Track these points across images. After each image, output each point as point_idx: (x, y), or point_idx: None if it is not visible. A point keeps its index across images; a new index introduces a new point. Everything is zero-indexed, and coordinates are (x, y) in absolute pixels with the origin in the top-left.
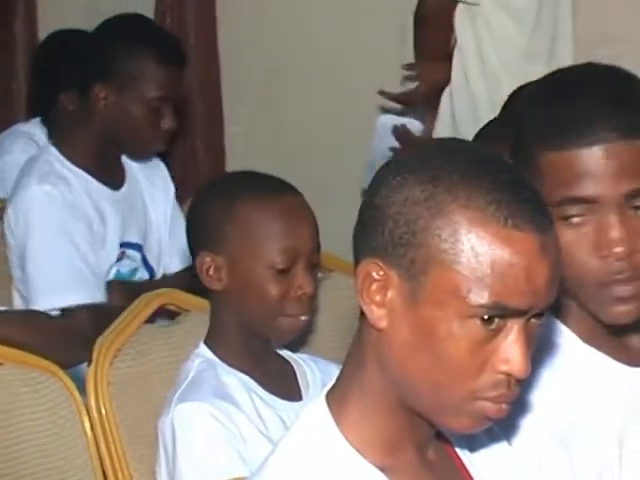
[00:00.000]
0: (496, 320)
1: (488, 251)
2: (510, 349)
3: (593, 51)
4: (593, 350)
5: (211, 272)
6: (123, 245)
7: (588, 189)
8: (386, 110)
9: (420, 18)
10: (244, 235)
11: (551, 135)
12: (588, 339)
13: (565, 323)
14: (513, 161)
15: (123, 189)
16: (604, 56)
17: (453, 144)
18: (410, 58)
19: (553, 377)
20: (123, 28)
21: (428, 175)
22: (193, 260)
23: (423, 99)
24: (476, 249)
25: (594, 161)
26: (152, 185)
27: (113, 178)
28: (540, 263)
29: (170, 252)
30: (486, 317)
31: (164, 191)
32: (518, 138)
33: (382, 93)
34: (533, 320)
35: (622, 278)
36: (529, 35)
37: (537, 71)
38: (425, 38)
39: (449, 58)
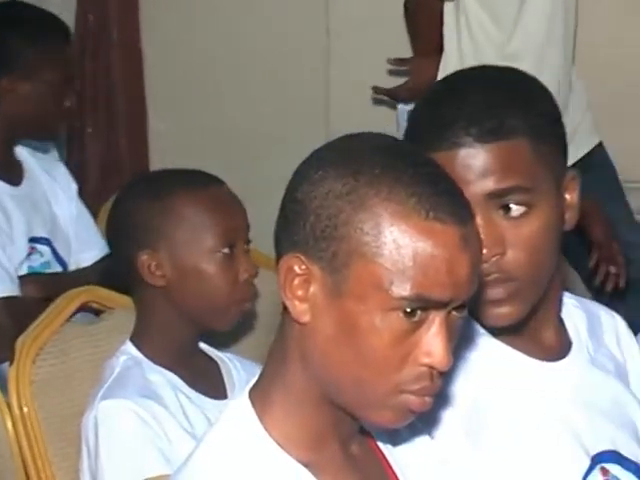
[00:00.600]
0: (418, 312)
1: (410, 244)
2: (432, 341)
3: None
4: (506, 346)
5: (153, 269)
6: (32, 240)
7: None
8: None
9: (408, 14)
10: (183, 227)
11: (419, 137)
12: (502, 335)
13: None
14: None
15: (23, 185)
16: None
17: (374, 138)
18: (337, 53)
19: (468, 372)
20: (8, 17)
21: (350, 169)
22: (118, 258)
23: (411, 95)
24: (398, 242)
25: (454, 164)
26: (53, 181)
27: (11, 174)
28: (461, 255)
29: (79, 248)
30: (408, 310)
31: (66, 189)
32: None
33: (374, 88)
34: (454, 312)
35: (491, 280)
36: (508, 34)
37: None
38: (414, 34)
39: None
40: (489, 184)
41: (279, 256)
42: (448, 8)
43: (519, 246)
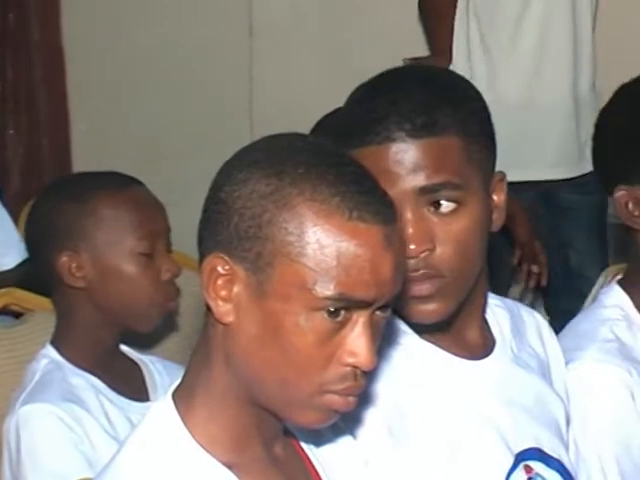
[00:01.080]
0: (342, 312)
1: (334, 243)
2: (356, 341)
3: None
4: (430, 345)
5: (73, 270)
6: None
7: (382, 186)
8: None
9: (423, 12)
10: (104, 228)
11: (349, 133)
12: (426, 334)
13: (402, 318)
14: None
15: None
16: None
17: (298, 138)
18: (260, 54)
19: (392, 371)
20: None
21: (273, 169)
22: (38, 260)
23: None
24: (322, 241)
25: (386, 158)
26: None
27: None
28: (385, 254)
29: (0, 252)
30: (332, 309)
31: None
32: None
33: None
34: (378, 313)
35: (417, 276)
36: (513, 30)
37: (522, 68)
38: (428, 32)
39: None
40: (420, 179)
41: (202, 256)
42: (460, 4)
43: (448, 242)
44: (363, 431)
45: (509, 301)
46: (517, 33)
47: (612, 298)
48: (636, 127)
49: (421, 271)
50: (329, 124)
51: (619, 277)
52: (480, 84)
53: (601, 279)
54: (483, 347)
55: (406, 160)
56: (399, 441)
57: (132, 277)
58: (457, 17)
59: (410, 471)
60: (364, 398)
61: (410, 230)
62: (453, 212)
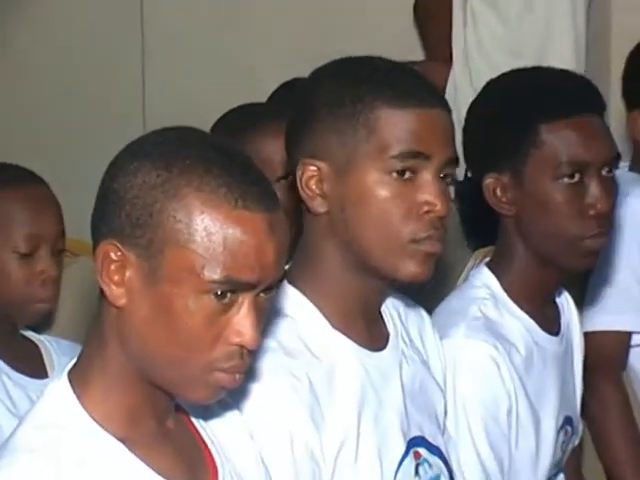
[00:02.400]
0: (228, 295)
1: (220, 230)
2: (242, 322)
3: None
4: (338, 334)
5: None
6: None
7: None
8: None
9: (418, 18)
10: None
11: (394, 97)
12: (337, 323)
13: (318, 308)
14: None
15: None
16: None
17: (186, 131)
18: (150, 58)
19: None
20: None
21: (163, 161)
22: None
23: None
24: (209, 229)
25: (431, 122)
26: None
27: None
28: (268, 240)
29: None
30: (219, 292)
31: None
32: (356, 96)
33: None
34: (262, 295)
35: (436, 234)
36: (516, 32)
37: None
38: (424, 37)
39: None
40: (452, 151)
41: (96, 243)
42: (456, 8)
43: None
44: (247, 405)
45: (397, 295)
46: (518, 35)
47: (480, 279)
48: (501, 119)
49: (440, 230)
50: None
51: (487, 259)
52: (479, 85)
53: (471, 261)
54: (381, 339)
55: (442, 127)
56: (309, 419)
57: (6, 273)
58: (454, 22)
59: (320, 450)
60: (251, 374)
61: (440, 192)
62: (448, 185)
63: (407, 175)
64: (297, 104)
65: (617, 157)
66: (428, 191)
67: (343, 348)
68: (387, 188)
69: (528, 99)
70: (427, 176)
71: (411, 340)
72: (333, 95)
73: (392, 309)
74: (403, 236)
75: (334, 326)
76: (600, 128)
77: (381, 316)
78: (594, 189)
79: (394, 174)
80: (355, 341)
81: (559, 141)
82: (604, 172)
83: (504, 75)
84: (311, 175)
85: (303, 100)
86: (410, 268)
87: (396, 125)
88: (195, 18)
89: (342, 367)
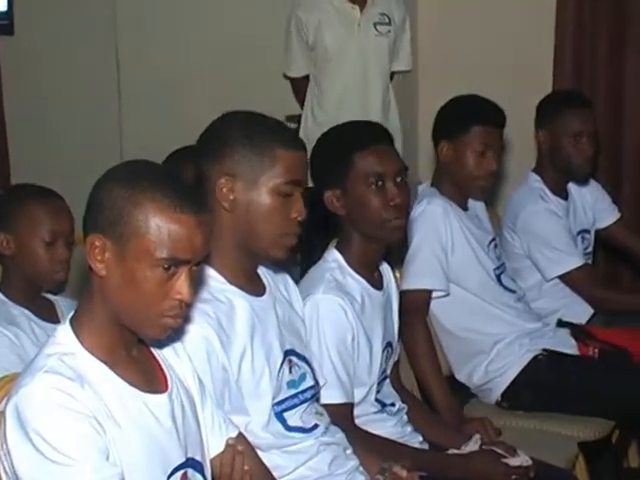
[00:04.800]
0: (172, 268)
1: (166, 227)
2: (181, 285)
3: None
4: (233, 287)
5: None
6: None
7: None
8: None
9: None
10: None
11: (284, 142)
12: (233, 280)
13: (219, 272)
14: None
15: None
16: None
17: (145, 163)
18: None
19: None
20: None
21: (130, 182)
22: None
23: None
24: (159, 226)
25: (302, 159)
26: None
27: None
28: (197, 232)
29: None
30: (166, 266)
31: None
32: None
33: None
34: (194, 267)
35: (295, 232)
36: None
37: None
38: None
39: None
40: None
41: (86, 235)
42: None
43: None
44: (187, 339)
45: (268, 265)
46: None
47: (332, 255)
48: (330, 152)
49: (298, 229)
50: (178, 157)
51: (335, 243)
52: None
53: (330, 245)
54: (261, 289)
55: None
56: (227, 339)
57: (37, 255)
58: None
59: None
60: (187, 319)
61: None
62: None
63: (288, 195)
64: (212, 136)
65: (405, 169)
66: (295, 208)
67: (237, 295)
68: (275, 200)
69: (346, 138)
70: (297, 194)
71: (279, 291)
72: (246, 134)
73: (266, 273)
74: (279, 232)
75: (230, 282)
76: (390, 152)
77: (259, 276)
78: (391, 190)
79: (281, 192)
80: (245, 290)
81: (366, 162)
82: (398, 179)
83: (331, 127)
84: (227, 187)
85: (219, 134)
86: (279, 253)
87: (288, 161)
88: (170, 82)
89: (238, 306)
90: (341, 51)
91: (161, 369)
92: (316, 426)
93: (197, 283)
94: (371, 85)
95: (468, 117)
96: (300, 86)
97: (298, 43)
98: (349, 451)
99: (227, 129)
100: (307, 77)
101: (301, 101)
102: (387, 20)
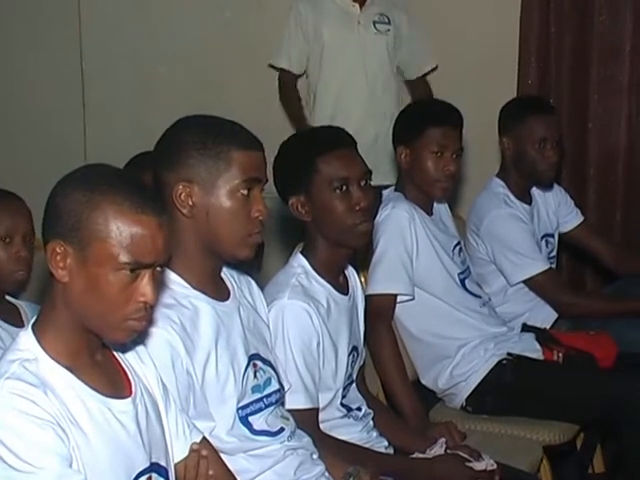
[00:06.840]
0: (136, 271)
1: (128, 229)
2: (145, 288)
3: None
4: (197, 292)
5: None
6: None
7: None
8: None
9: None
10: None
11: (241, 144)
12: (196, 285)
13: (182, 277)
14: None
15: None
16: None
17: (103, 167)
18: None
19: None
20: None
21: (88, 186)
22: None
23: None
24: (120, 229)
25: (260, 159)
26: None
27: None
28: (159, 234)
29: None
30: (130, 269)
31: None
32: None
33: None
34: (157, 269)
35: (259, 231)
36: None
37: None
38: (289, 117)
39: None
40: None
41: (46, 241)
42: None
43: None
44: (150, 342)
45: (231, 267)
46: (334, 113)
47: (297, 261)
48: (293, 158)
49: (261, 228)
50: (137, 162)
51: (300, 248)
52: None
53: (295, 250)
54: (225, 293)
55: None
56: (192, 345)
57: None
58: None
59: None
60: (151, 323)
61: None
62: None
63: (247, 195)
64: (167, 143)
65: (369, 172)
66: (256, 203)
67: (201, 299)
68: (235, 202)
69: (308, 143)
70: (257, 193)
71: (244, 295)
72: (200, 138)
73: (229, 276)
74: (244, 232)
75: (194, 287)
76: (354, 156)
77: (223, 280)
78: (356, 194)
79: (239, 192)
80: (209, 295)
81: (330, 167)
82: (362, 183)
83: (293, 134)
84: (185, 192)
85: (173, 140)
86: (245, 253)
87: (243, 161)
88: (135, 100)
89: (202, 311)
90: (340, 47)
91: (125, 374)
92: (282, 430)
93: (159, 286)
94: (371, 84)
95: (422, 120)
96: (286, 80)
97: (295, 34)
98: (316, 456)
99: (181, 135)
100: (294, 75)
101: (285, 98)
102: (387, 20)
